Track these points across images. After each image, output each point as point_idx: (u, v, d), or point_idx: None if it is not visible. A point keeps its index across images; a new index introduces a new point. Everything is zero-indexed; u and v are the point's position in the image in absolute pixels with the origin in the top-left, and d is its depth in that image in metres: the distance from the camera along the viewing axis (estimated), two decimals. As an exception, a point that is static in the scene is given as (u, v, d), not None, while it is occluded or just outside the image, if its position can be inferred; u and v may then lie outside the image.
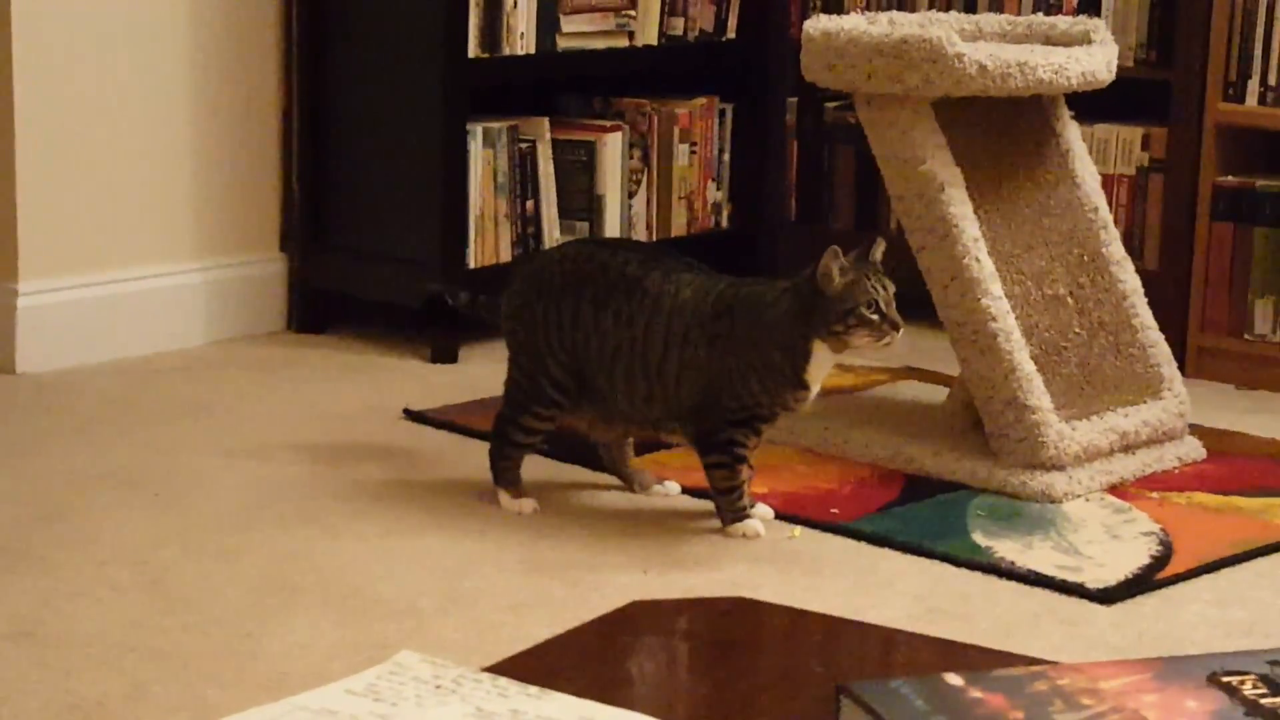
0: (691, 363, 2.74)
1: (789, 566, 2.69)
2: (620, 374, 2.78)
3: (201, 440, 3.18)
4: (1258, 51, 3.68)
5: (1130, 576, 2.67)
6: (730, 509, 2.79)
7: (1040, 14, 3.61)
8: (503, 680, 1.30)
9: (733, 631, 1.57)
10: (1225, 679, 1.26)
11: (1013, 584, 2.64)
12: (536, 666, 1.41)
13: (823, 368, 2.73)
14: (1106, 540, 2.81)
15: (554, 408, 2.84)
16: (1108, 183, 3.66)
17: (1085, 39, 3.23)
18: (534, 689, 1.29)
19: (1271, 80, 3.67)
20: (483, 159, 3.78)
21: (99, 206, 3.66)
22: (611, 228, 3.99)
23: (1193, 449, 3.21)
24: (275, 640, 2.35)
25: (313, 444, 3.17)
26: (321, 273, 3.91)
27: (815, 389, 2.75)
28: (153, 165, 3.73)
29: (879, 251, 2.71)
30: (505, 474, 2.88)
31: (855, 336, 2.67)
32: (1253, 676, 1.26)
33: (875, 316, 2.66)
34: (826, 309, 2.67)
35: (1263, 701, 1.23)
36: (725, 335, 2.73)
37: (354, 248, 3.88)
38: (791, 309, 2.70)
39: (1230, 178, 3.73)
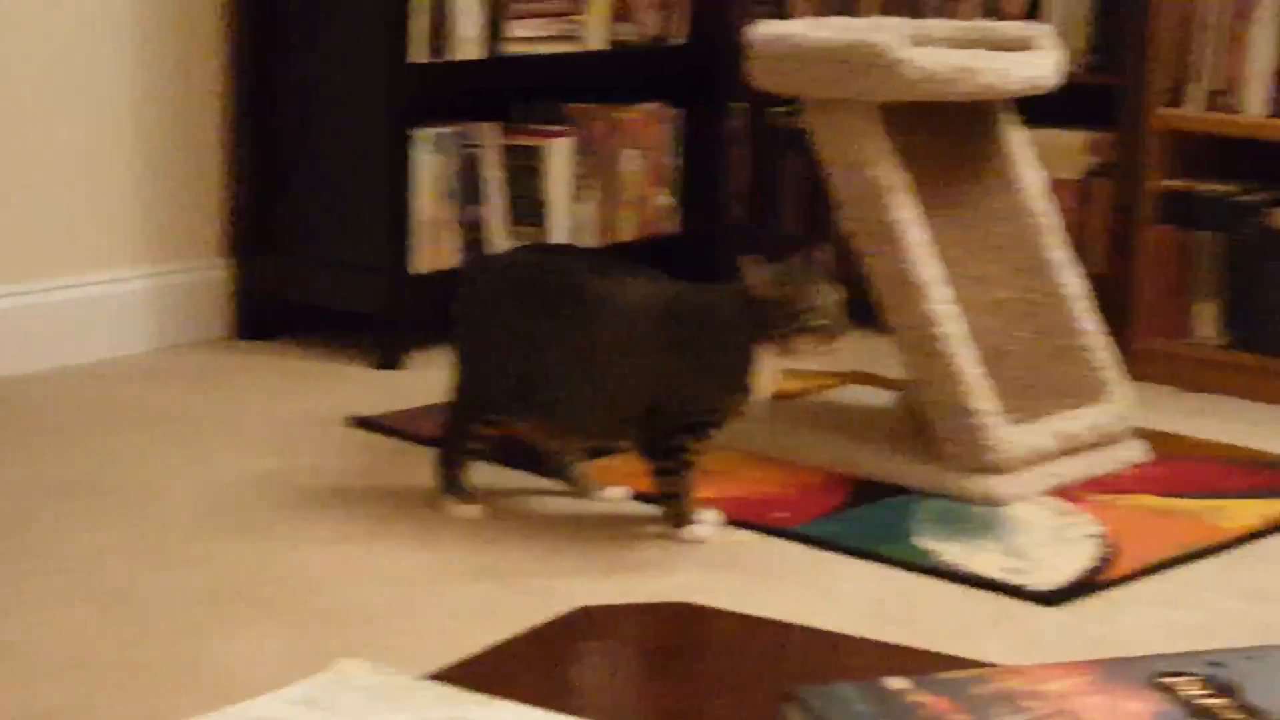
0: (640, 368, 2.74)
1: (736, 572, 2.69)
2: (569, 381, 2.77)
3: (147, 449, 3.16)
4: (1199, 57, 3.70)
5: (1075, 579, 2.68)
6: (678, 514, 2.79)
7: (986, 19, 3.63)
8: (446, 687, 1.30)
9: (680, 637, 1.57)
10: (1167, 680, 1.27)
11: (959, 587, 2.65)
12: (481, 673, 1.41)
13: (770, 373, 2.73)
14: (1051, 543, 2.82)
15: (502, 414, 2.84)
16: (1052, 187, 3.68)
17: (1030, 44, 3.24)
18: (479, 696, 1.29)
19: (1213, 85, 3.69)
20: (429, 165, 3.77)
21: (41, 213, 3.64)
22: (559, 233, 3.99)
23: (1136, 452, 3.23)
24: (223, 649, 2.34)
25: (259, 451, 3.16)
26: (267, 279, 3.90)
27: (763, 394, 2.75)
28: (95, 171, 3.72)
29: (821, 255, 2.72)
30: (452, 481, 2.88)
31: (799, 341, 2.68)
32: (1194, 678, 1.27)
33: (818, 322, 2.67)
34: (772, 314, 2.67)
35: (1204, 703, 1.24)
36: (674, 340, 2.73)
37: (299, 254, 3.87)
38: (738, 314, 2.71)
39: (1173, 182, 3.75)
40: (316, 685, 1.29)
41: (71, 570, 2.60)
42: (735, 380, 2.72)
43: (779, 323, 2.67)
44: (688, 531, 2.79)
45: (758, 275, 2.67)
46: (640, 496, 2.93)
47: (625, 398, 2.76)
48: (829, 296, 2.67)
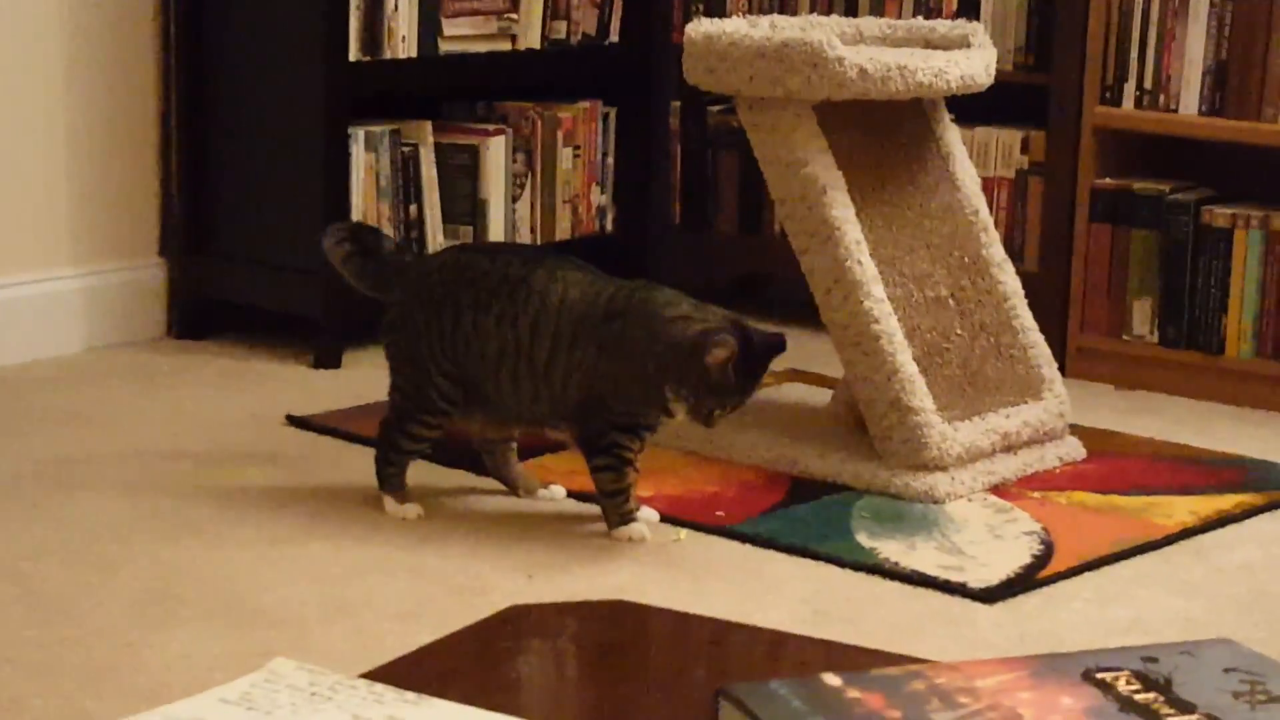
0: (580, 365, 2.74)
1: (675, 570, 2.69)
2: (506, 375, 2.77)
3: (81, 449, 3.14)
4: (1134, 55, 3.72)
5: (1012, 576, 2.69)
6: (616, 512, 2.79)
7: (920, 18, 3.64)
8: (379, 687, 1.29)
9: (615, 635, 1.56)
10: (1100, 676, 1.27)
11: (897, 585, 2.66)
12: (415, 672, 1.40)
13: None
14: (989, 540, 2.83)
15: (442, 415, 2.83)
16: (988, 185, 3.69)
17: (964, 43, 3.25)
18: (411, 695, 1.28)
19: (1147, 84, 3.71)
20: (365, 163, 3.76)
21: (-25, 213, 3.61)
22: (495, 232, 3.98)
23: (1073, 449, 3.24)
24: (157, 651, 2.32)
25: (194, 451, 3.14)
26: (202, 278, 3.88)
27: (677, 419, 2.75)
28: (28, 169, 3.68)
29: (773, 357, 2.72)
30: (390, 480, 2.87)
31: (683, 410, 2.68)
32: (1126, 673, 1.27)
33: (707, 414, 2.68)
34: (691, 372, 2.66)
35: (1136, 698, 1.24)
36: (615, 340, 2.72)
37: (235, 253, 3.84)
38: (672, 342, 2.69)
39: (1108, 180, 3.77)
40: (249, 685, 1.28)
41: (3, 571, 2.57)
42: (655, 396, 2.70)
43: (688, 387, 2.66)
44: (625, 530, 2.78)
45: (721, 352, 2.65)
46: (578, 495, 2.93)
47: (564, 393, 2.75)
48: (739, 406, 2.68)
